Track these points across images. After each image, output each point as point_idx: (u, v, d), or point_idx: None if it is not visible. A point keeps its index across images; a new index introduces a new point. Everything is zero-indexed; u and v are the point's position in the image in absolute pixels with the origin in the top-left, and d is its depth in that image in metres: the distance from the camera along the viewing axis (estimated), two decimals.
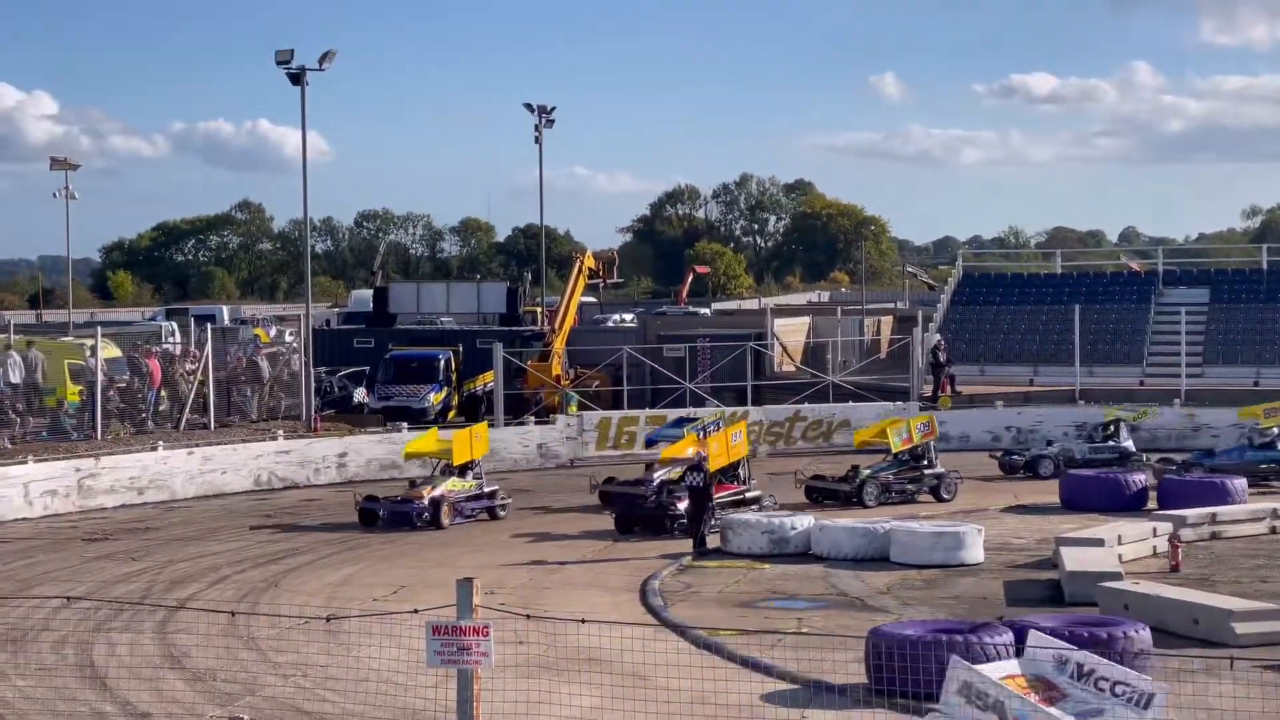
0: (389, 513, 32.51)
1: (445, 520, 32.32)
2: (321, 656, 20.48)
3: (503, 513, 33.61)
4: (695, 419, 36.52)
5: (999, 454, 40.52)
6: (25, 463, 35.46)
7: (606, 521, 32.50)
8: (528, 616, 16.93)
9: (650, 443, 37.84)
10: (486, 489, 33.86)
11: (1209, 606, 21.19)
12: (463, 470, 33.45)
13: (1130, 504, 32.39)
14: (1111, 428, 40.32)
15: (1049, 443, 41.23)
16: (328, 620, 18.42)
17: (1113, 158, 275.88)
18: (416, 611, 15.82)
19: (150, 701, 18.77)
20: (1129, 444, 39.63)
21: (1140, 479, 33.54)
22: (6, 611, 23.65)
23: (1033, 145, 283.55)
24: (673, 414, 42.95)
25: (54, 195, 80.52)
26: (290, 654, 20.67)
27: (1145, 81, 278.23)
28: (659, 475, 33.01)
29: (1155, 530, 28.12)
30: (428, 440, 35.39)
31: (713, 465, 30.29)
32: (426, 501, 32.42)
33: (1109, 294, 58.79)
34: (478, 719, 10.24)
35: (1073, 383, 48.40)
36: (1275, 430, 38.06)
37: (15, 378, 40.72)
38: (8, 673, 20.27)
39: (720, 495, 30.85)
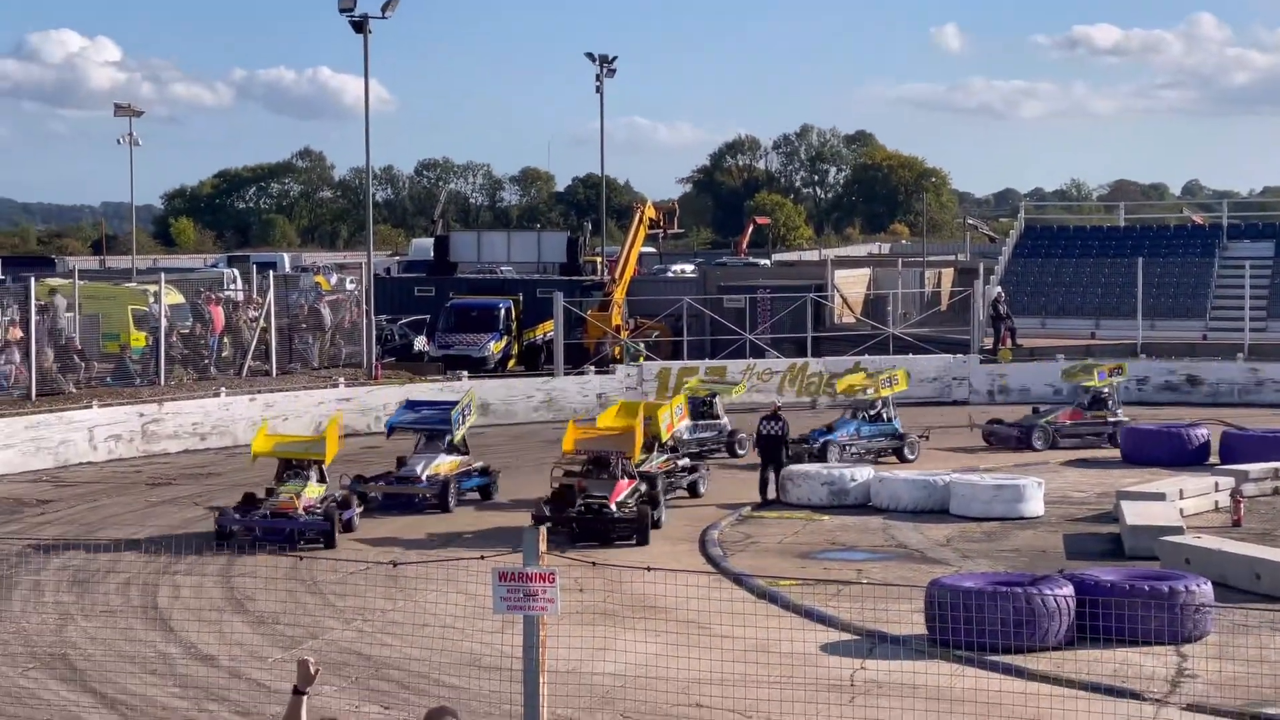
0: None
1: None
2: (383, 601, 20.67)
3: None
4: (425, 402, 32.70)
5: (983, 424, 37.15)
6: (90, 407, 35.79)
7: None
8: (593, 564, 17.04)
9: (390, 429, 31.74)
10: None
11: (1271, 561, 21.10)
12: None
13: (1192, 458, 32.22)
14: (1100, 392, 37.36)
15: (1036, 410, 38.22)
16: (394, 565, 18.56)
17: (1177, 110, 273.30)
18: (483, 558, 15.97)
19: (214, 644, 18.99)
20: (1119, 412, 37.15)
21: (1203, 433, 33.31)
22: (73, 554, 23.94)
23: (1095, 97, 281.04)
24: (734, 365, 42.92)
25: (117, 141, 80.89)
26: (352, 599, 20.87)
27: (1210, 33, 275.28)
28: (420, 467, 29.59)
29: (1217, 485, 27.99)
30: (265, 441, 27.45)
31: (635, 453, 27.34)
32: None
33: (1172, 247, 58.30)
34: (543, 665, 10.31)
35: (1134, 336, 48.08)
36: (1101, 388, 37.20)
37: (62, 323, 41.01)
38: (74, 615, 20.54)
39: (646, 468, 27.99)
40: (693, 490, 29.96)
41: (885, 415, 34.78)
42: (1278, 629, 18.44)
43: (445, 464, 29.25)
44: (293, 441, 28.11)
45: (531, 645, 10.17)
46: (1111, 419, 36.47)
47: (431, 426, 30.19)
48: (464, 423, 30.53)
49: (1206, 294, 54.29)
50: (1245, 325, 48.46)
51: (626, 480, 26.45)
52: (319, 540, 24.99)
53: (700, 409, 35.60)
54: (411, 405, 31.91)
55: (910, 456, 34.05)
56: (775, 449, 29.44)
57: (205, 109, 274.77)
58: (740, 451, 35.20)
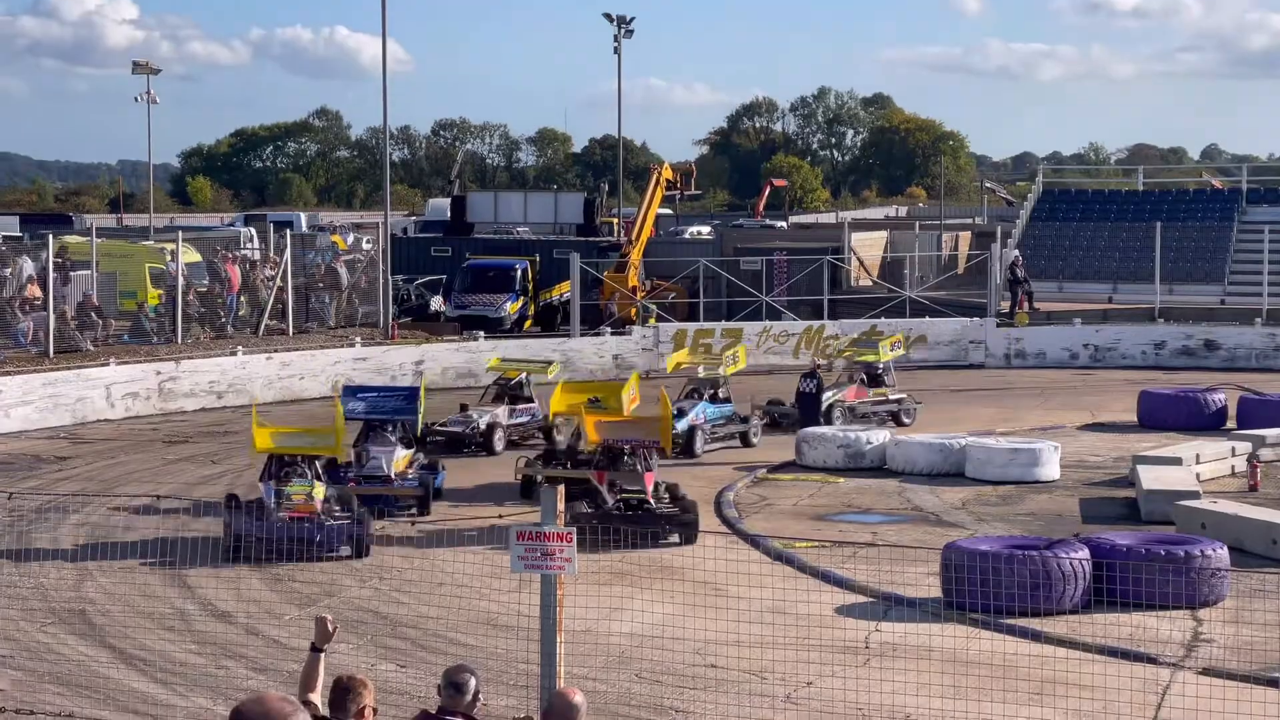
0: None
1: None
2: (399, 560, 20.72)
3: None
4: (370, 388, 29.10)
5: (763, 404, 33.57)
6: (108, 365, 35.86)
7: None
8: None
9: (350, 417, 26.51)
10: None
11: None
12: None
13: (1209, 423, 32.15)
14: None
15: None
16: (414, 525, 18.60)
17: (1196, 73, 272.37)
18: (501, 517, 15.97)
19: (230, 600, 19.06)
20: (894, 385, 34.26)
21: (1220, 398, 33.24)
22: (92, 510, 24.01)
23: (1114, 60, 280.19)
24: (750, 327, 42.85)
25: (135, 100, 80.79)
26: (368, 558, 20.92)
27: None
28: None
29: (1234, 450, 27.94)
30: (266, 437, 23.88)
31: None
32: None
33: (1190, 212, 58.07)
34: (560, 624, 10.33)
35: (1152, 301, 47.96)
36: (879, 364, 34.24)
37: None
38: (92, 571, 20.61)
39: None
40: None
41: (723, 395, 31.59)
42: None
43: (402, 458, 25.69)
44: (298, 434, 24.60)
45: (549, 605, 10.18)
46: (893, 396, 33.93)
47: (394, 417, 26.20)
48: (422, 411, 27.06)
49: (1225, 259, 54.10)
50: (1264, 290, 48.28)
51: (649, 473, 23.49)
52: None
53: (509, 390, 32.06)
54: (354, 391, 27.45)
55: (754, 441, 31.03)
56: (812, 407, 29.83)
57: (222, 67, 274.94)
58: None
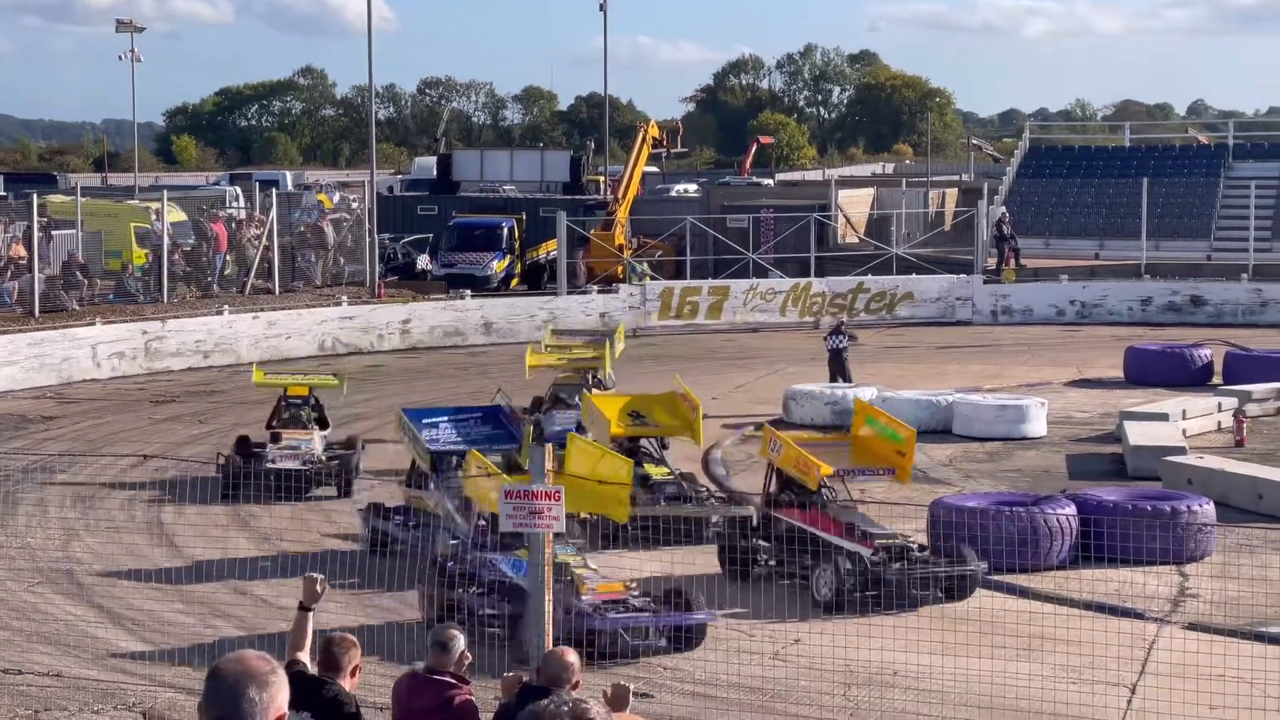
0: None
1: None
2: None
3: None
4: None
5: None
6: (94, 324, 35.78)
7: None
8: (598, 483, 17.05)
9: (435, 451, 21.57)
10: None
11: (1273, 481, 21.14)
12: None
13: (1195, 378, 32.19)
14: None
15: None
16: (400, 484, 18.60)
17: (1182, 29, 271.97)
18: (489, 475, 15.95)
19: (218, 560, 19.05)
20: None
21: (1206, 353, 33.27)
22: (78, 470, 23.99)
23: (1100, 15, 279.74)
24: (737, 284, 42.85)
25: (119, 58, 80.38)
26: (355, 517, 20.91)
27: None
28: None
29: (1220, 405, 28.00)
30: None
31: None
32: None
33: (1177, 167, 58.03)
34: (548, 581, 10.33)
35: (1139, 257, 47.99)
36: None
37: None
38: (79, 531, 20.61)
39: None
40: None
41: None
42: (1278, 549, 18.49)
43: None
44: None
45: (537, 562, 10.19)
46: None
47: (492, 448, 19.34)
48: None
49: (1211, 214, 54.09)
50: (1250, 246, 48.35)
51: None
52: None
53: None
54: (419, 416, 21.26)
55: None
56: (840, 362, 30.23)
57: (206, 25, 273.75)
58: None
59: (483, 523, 16.78)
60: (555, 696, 4.98)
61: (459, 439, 20.09)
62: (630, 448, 20.73)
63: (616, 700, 8.12)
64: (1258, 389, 29.15)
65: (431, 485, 19.01)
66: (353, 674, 8.59)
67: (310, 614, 9.11)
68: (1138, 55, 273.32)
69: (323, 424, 24.91)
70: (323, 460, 23.11)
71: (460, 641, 8.87)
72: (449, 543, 17.30)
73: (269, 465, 22.39)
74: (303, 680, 8.58)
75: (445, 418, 20.84)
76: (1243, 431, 26.28)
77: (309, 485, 22.54)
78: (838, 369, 31.12)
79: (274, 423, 24.39)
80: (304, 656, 8.92)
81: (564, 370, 26.85)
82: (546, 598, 10.12)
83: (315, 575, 9.25)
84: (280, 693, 4.64)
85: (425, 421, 20.48)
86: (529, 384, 27.59)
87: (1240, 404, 27.77)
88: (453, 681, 8.75)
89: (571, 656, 8.55)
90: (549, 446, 10.40)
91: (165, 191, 45.95)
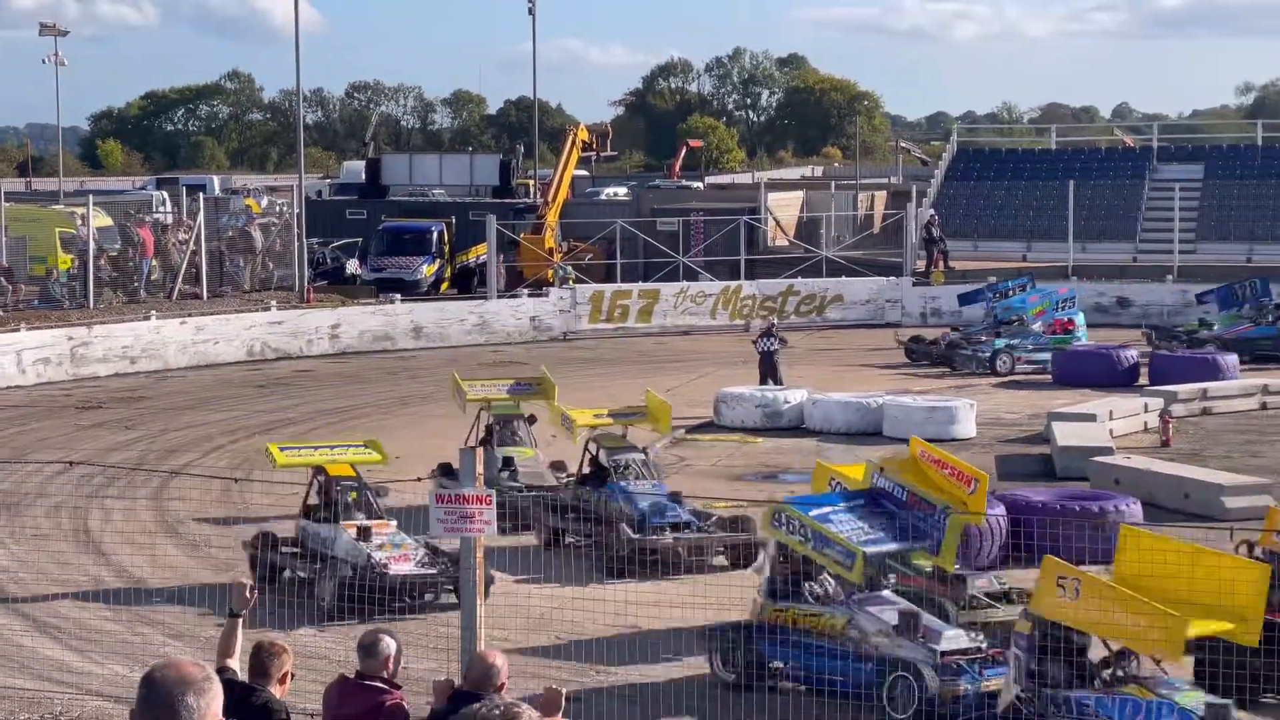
0: None
1: None
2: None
3: None
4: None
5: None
6: (18, 330, 35.43)
7: (605, 396, 32.53)
8: (526, 488, 17.03)
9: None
10: None
11: (1199, 481, 21.34)
12: None
13: (1122, 379, 32.44)
14: None
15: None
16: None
17: (1107, 32, 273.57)
18: (420, 480, 15.91)
19: (145, 567, 18.90)
20: None
21: (1132, 354, 33.56)
22: (2, 477, 23.73)
23: (1027, 19, 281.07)
24: (667, 288, 42.88)
25: (43, 61, 79.54)
26: (288, 523, 20.76)
27: None
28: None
29: (1146, 406, 28.24)
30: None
31: None
32: None
33: (1103, 170, 58.54)
34: (481, 585, 10.29)
35: (1066, 258, 48.32)
36: None
37: None
38: (3, 539, 20.39)
39: None
40: None
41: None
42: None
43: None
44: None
45: (469, 566, 10.15)
46: None
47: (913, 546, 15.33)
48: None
49: (1137, 216, 54.59)
50: (1175, 247, 48.81)
51: None
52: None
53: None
54: (808, 505, 15.30)
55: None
56: (770, 364, 30.33)
57: (132, 28, 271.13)
58: None
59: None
60: (487, 700, 4.96)
61: (875, 533, 14.64)
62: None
63: (549, 704, 8.09)
64: (1183, 389, 29.45)
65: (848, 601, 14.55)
66: (283, 681, 8.51)
67: (240, 620, 9.03)
68: (1063, 59, 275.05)
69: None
70: (442, 559, 17.51)
71: (389, 646, 8.81)
72: None
73: (384, 571, 17.26)
74: (232, 687, 8.50)
75: (837, 505, 14.96)
76: (1169, 432, 26.51)
77: (427, 594, 17.57)
78: (768, 371, 31.20)
79: (321, 511, 18.84)
80: (233, 663, 8.84)
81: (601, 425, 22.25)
82: (479, 601, 10.08)
83: (245, 581, 9.17)
84: (216, 700, 4.59)
85: (818, 514, 14.71)
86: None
87: (1166, 404, 28.01)
88: (383, 687, 8.70)
89: (498, 659, 8.51)
90: (479, 450, 10.35)
91: (91, 197, 45.60)
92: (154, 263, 43.42)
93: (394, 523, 18.29)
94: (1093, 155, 62.49)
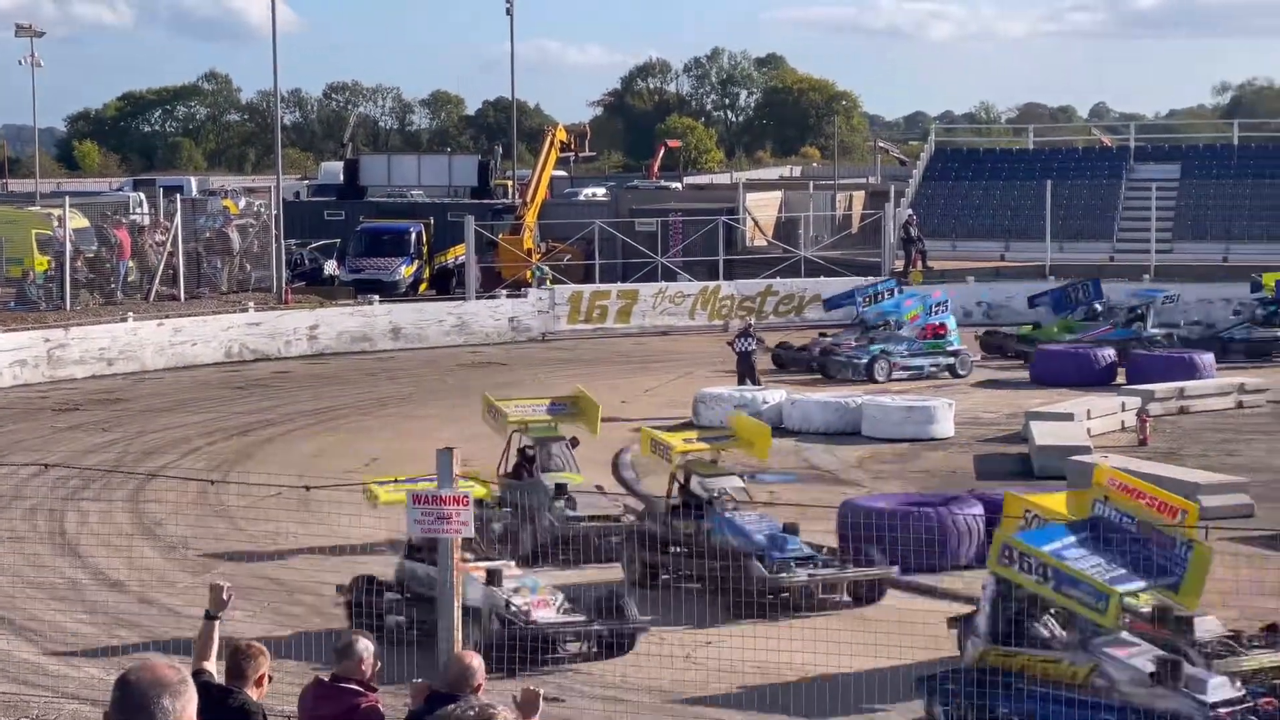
0: None
1: None
2: (294, 526, 20.52)
3: None
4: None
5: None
6: None
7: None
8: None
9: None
10: None
11: (1176, 480, 21.33)
12: None
13: (1099, 379, 32.53)
14: None
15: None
16: (307, 490, 18.44)
17: (1084, 32, 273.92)
18: (396, 480, 15.85)
19: (122, 569, 18.84)
20: None
21: (1110, 354, 33.65)
22: None
23: (1004, 19, 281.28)
24: (645, 288, 42.98)
25: (18, 63, 79.38)
26: (263, 524, 20.72)
27: None
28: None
29: (1124, 405, 28.31)
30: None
31: None
32: None
33: (1080, 169, 58.64)
34: (457, 587, 10.28)
35: (1043, 258, 48.40)
36: None
37: None
38: None
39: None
40: None
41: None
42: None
43: None
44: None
45: (446, 567, 10.13)
46: None
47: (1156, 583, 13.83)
48: None
49: (1114, 216, 54.69)
50: (1151, 247, 48.92)
51: None
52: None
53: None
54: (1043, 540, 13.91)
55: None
56: (748, 365, 30.32)
57: (108, 29, 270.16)
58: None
59: None
60: (463, 701, 4.94)
61: (1116, 570, 12.99)
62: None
63: (526, 705, 8.07)
64: (1160, 388, 29.54)
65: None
66: (259, 683, 8.49)
67: (216, 622, 9.01)
68: (1041, 58, 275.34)
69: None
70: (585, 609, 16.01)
71: (364, 648, 8.79)
72: None
73: (529, 620, 15.38)
74: (209, 690, 8.48)
75: (1068, 538, 13.19)
76: (1146, 430, 26.58)
77: (574, 644, 15.76)
78: (746, 371, 31.21)
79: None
80: (210, 666, 8.82)
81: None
82: (455, 604, 10.07)
83: (221, 583, 9.15)
84: (191, 703, 4.58)
85: (1053, 549, 13.03)
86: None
87: (1144, 404, 28.09)
88: (358, 689, 8.68)
89: (474, 660, 8.50)
90: (456, 451, 10.34)
91: (67, 198, 45.45)
92: (131, 264, 43.30)
93: (512, 562, 16.82)
94: (1070, 155, 62.61)
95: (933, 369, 34.74)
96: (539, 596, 15.48)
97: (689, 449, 19.26)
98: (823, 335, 37.20)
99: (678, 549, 17.93)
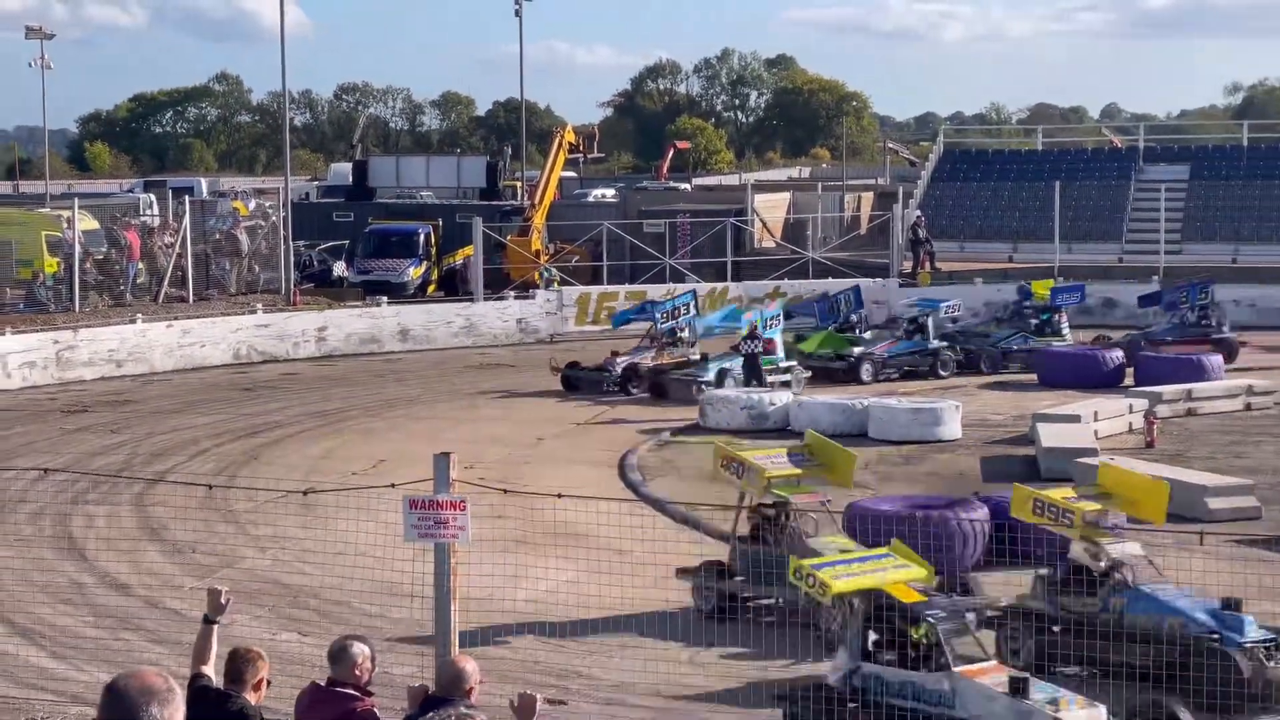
0: None
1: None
2: (299, 530, 20.55)
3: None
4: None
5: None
6: (3, 334, 35.38)
7: (587, 396, 32.60)
8: (504, 491, 17.00)
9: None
10: None
11: (1183, 482, 21.32)
12: None
13: (1106, 380, 32.49)
14: None
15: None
16: (305, 494, 18.47)
17: (1094, 32, 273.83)
18: (394, 486, 15.86)
19: (128, 573, 18.87)
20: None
21: (1117, 355, 33.61)
22: None
23: (1013, 19, 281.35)
24: (654, 289, 43.06)
25: (29, 65, 79.43)
26: (268, 527, 20.77)
27: None
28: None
29: (1131, 407, 28.27)
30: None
31: None
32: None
33: (1089, 170, 58.62)
34: (454, 592, 10.29)
35: (1052, 259, 48.36)
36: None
37: None
38: None
39: None
40: None
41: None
42: (1187, 548, 18.64)
43: None
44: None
45: (443, 573, 10.15)
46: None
47: None
48: None
49: (1123, 217, 54.67)
50: (1160, 248, 48.88)
51: None
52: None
53: None
54: None
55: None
56: (754, 366, 30.32)
57: (119, 30, 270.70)
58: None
59: None
60: (444, 710, 4.96)
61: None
62: None
63: (524, 710, 8.08)
64: (1167, 390, 29.50)
65: None
66: (258, 687, 8.52)
67: (215, 627, 9.03)
68: (1051, 59, 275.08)
69: None
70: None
71: (359, 652, 8.80)
72: None
73: None
74: (207, 694, 8.52)
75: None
76: (1153, 433, 26.54)
77: None
78: (752, 373, 31.18)
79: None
80: (208, 670, 8.84)
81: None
82: (452, 607, 10.08)
83: (220, 587, 9.17)
84: (178, 711, 4.60)
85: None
86: None
87: (1151, 405, 28.05)
88: (354, 693, 8.70)
89: (467, 665, 8.51)
90: (453, 455, 10.35)
91: (76, 200, 45.53)
92: (140, 266, 43.38)
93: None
94: (1079, 156, 62.58)
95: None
96: (1084, 711, 12.52)
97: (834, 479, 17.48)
98: (615, 355, 34.13)
99: (1062, 628, 14.86)
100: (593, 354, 36.16)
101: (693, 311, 34.91)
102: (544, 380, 34.47)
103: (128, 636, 16.36)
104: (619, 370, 33.33)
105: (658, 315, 34.74)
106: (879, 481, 23.85)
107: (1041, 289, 38.73)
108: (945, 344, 35.62)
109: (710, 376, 31.95)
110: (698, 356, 33.78)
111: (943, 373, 34.91)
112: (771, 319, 33.46)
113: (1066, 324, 37.63)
